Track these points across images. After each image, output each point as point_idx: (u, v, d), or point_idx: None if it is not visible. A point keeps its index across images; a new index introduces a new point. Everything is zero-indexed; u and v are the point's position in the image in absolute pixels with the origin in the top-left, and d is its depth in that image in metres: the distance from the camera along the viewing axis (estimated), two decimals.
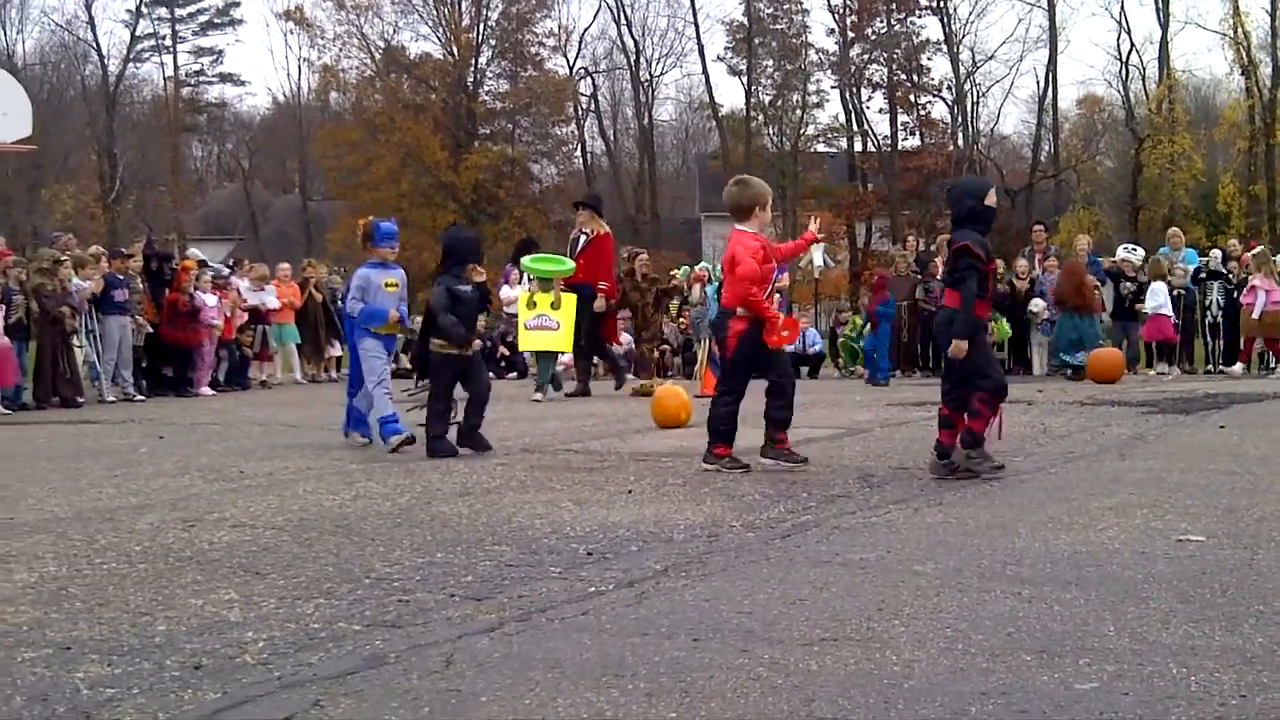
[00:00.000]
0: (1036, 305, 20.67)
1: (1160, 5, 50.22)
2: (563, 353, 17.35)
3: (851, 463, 8.49)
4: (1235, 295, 20.27)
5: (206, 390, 18.94)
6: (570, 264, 16.03)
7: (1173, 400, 13.39)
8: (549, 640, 4.08)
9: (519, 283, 22.27)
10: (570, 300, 15.69)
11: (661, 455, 9.08)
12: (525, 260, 16.47)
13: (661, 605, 4.53)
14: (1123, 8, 52.49)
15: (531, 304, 15.63)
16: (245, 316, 20.83)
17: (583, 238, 16.41)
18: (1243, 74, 49.01)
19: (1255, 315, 19.25)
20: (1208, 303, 20.59)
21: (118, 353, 17.59)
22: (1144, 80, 52.63)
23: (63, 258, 17.07)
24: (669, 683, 3.57)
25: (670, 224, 59.65)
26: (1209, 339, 20.76)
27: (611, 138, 60.73)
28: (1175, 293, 20.42)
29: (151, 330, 18.42)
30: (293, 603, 4.64)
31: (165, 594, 4.81)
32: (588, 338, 16.37)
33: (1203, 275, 20.98)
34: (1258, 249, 21.61)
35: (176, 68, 61.53)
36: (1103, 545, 5.46)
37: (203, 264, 20.41)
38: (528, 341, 16.22)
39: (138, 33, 59.05)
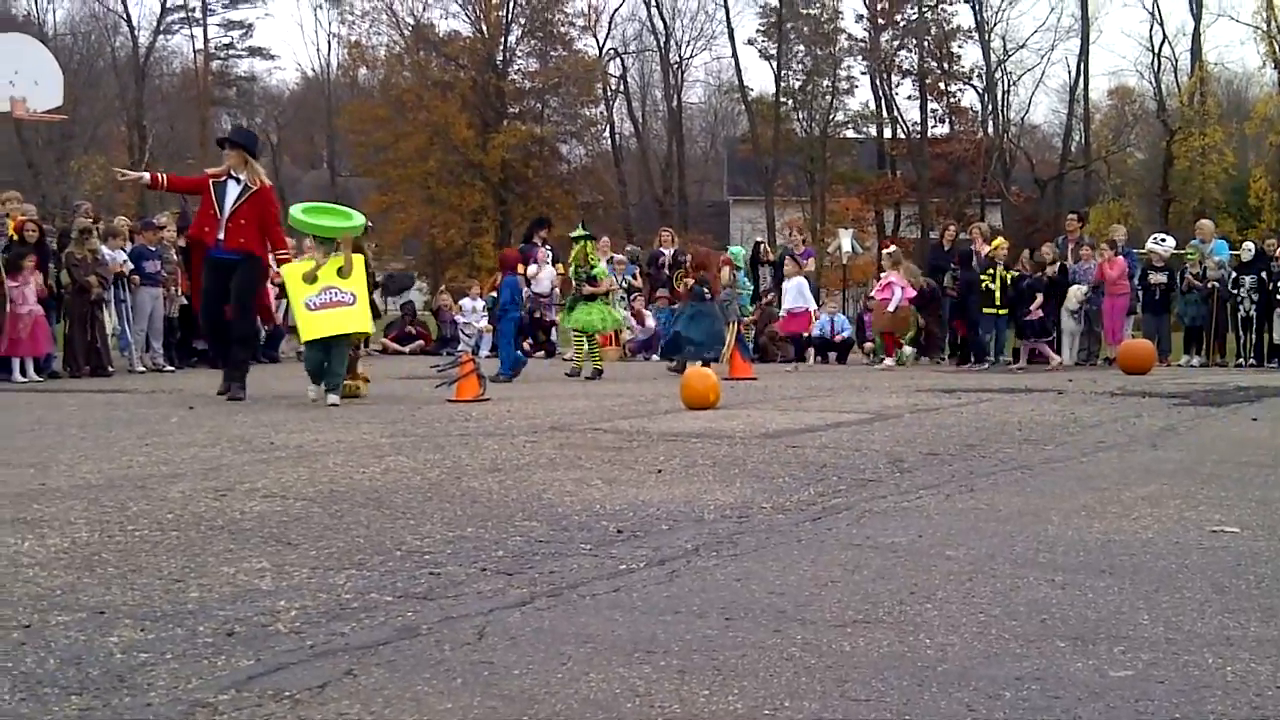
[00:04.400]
0: (1079, 292, 20.52)
1: None
2: (366, 335, 14.14)
3: (881, 448, 8.46)
4: (1271, 289, 20.19)
5: None
6: (360, 218, 12.83)
7: (1204, 392, 13.34)
8: (580, 616, 4.07)
9: (546, 260, 22.20)
10: (360, 263, 12.42)
11: (690, 436, 9.06)
12: (295, 211, 12.66)
13: (693, 584, 4.52)
14: None
15: (312, 278, 11.91)
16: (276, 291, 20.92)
17: (233, 185, 12.35)
18: (1275, 67, 48.79)
19: (891, 309, 20.43)
20: (1239, 297, 20.48)
21: (149, 324, 17.68)
22: (1175, 72, 52.46)
23: (91, 226, 17.15)
24: (701, 660, 3.57)
25: (698, 207, 59.65)
26: (1241, 333, 20.66)
27: (640, 119, 60.63)
28: (1209, 285, 20.37)
29: (186, 302, 18.49)
30: (324, 573, 4.65)
31: (197, 561, 4.82)
32: (242, 313, 12.68)
33: (1233, 271, 20.88)
34: (890, 249, 23.16)
35: (206, 40, 61.64)
36: (1136, 534, 5.44)
37: None
38: (314, 327, 11.94)
39: (168, 4, 59.05)
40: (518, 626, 3.93)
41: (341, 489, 6.57)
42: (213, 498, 6.24)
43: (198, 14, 60.67)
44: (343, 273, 11.97)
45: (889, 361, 20.19)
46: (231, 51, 63.45)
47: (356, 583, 4.50)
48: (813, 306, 20.80)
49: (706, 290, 16.66)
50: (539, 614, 4.09)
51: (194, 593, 4.34)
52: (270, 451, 8.14)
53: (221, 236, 12.25)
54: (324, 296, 11.86)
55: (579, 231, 17.72)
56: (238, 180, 12.35)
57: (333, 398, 11.79)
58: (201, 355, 18.82)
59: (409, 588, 4.44)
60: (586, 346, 16.63)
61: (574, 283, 17.04)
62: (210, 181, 12.52)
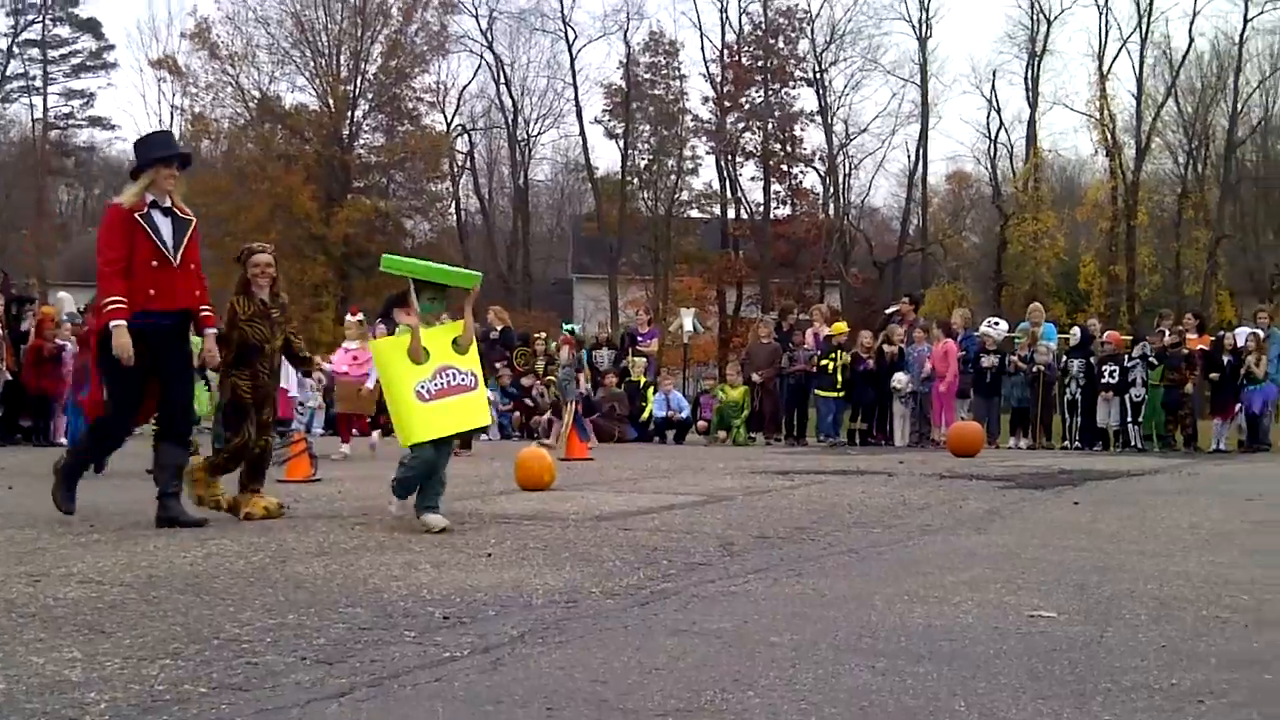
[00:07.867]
0: (900, 380, 21.01)
1: (1029, 85, 51.76)
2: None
3: (713, 530, 8.49)
4: (1095, 372, 20.82)
5: (64, 440, 18.53)
6: (476, 274, 9.13)
7: (1029, 475, 13.62)
8: (400, 707, 4.01)
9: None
10: (473, 333, 9.00)
11: (523, 518, 9.03)
12: (393, 257, 9.13)
13: (517, 672, 4.48)
14: (993, 86, 54.30)
15: (422, 355, 8.53)
16: None
17: (161, 217, 8.49)
18: (1107, 155, 50.52)
19: (370, 386, 15.83)
20: (1067, 380, 21.09)
21: None
22: (1011, 158, 54.15)
23: None
24: None
25: (542, 284, 59.78)
26: (1067, 415, 21.23)
27: (487, 196, 60.86)
28: (1036, 369, 20.89)
29: (10, 378, 18.01)
30: (138, 663, 4.52)
31: (5, 651, 4.66)
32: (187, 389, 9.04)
33: (1064, 355, 21.53)
34: (359, 316, 19.20)
35: (46, 109, 60.70)
36: (956, 620, 5.51)
37: (68, 315, 19.96)
38: (431, 424, 8.51)
39: (8, 72, 58.20)
40: (335, 718, 3.86)
41: (160, 574, 6.42)
42: (25, 583, 6.05)
43: (38, 83, 59.81)
44: (459, 346, 8.75)
45: (345, 449, 16.72)
46: (71, 121, 62.62)
47: (170, 673, 4.39)
48: (292, 389, 15.12)
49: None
50: (357, 705, 4.02)
51: (0, 684, 4.21)
52: (89, 535, 7.94)
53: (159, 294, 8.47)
54: (440, 380, 8.60)
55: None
56: (165, 211, 8.51)
57: (438, 519, 8.42)
58: (26, 432, 18.35)
59: (224, 678, 4.33)
60: None
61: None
62: (135, 216, 8.39)
